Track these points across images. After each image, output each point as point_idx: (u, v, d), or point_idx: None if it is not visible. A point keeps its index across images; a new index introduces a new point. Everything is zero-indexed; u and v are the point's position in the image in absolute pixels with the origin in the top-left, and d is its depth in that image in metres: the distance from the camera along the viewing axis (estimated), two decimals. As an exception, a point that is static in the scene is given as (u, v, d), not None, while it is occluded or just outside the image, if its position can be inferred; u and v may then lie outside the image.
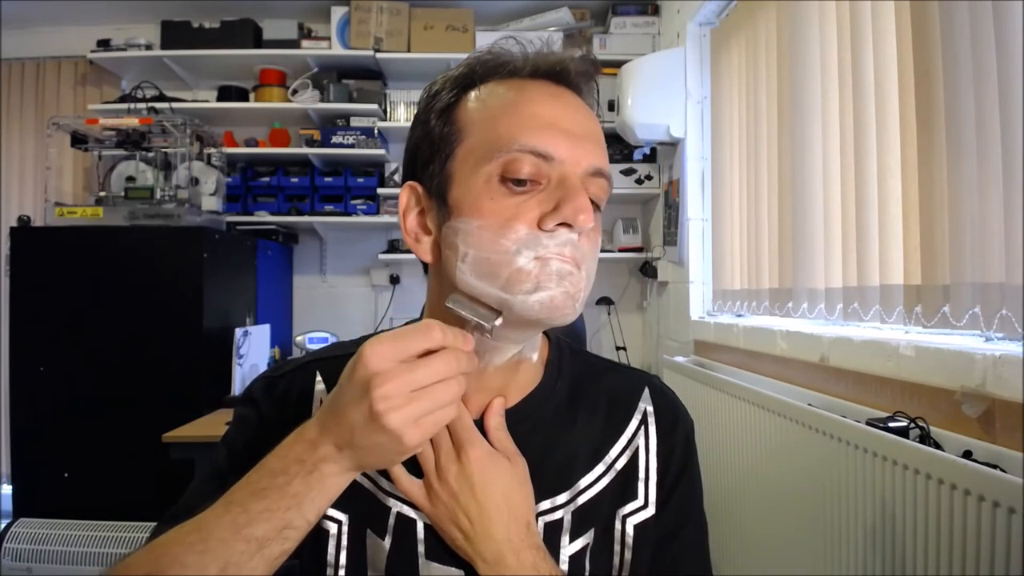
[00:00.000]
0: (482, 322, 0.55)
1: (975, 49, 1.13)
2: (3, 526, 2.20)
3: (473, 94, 0.61)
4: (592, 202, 0.59)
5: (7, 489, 2.56)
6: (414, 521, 0.61)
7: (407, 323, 0.70)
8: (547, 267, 0.56)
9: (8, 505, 2.40)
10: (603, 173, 0.60)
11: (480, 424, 0.63)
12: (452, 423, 0.60)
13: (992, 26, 1.10)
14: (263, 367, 2.66)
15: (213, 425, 2.14)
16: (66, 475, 2.35)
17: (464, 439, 0.60)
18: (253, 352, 2.59)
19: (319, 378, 0.67)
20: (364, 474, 0.62)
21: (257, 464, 0.54)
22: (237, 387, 2.44)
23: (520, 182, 0.57)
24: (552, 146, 0.57)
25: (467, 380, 0.60)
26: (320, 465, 0.52)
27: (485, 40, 3.00)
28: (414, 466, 0.61)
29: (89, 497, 2.29)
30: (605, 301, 3.24)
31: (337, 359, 0.67)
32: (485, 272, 0.56)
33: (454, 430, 0.60)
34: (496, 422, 0.62)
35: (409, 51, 2.99)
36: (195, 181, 2.59)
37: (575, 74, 0.62)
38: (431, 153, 0.61)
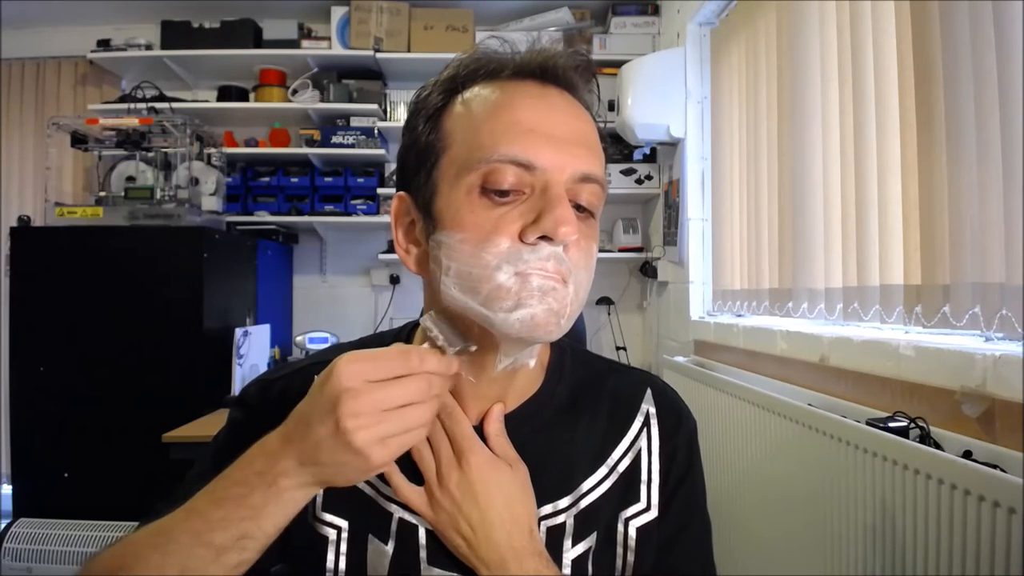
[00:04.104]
0: (446, 345, 0.54)
1: (975, 49, 1.13)
2: (3, 526, 2.20)
3: (459, 99, 0.59)
4: (584, 208, 0.57)
5: (7, 489, 2.55)
6: (416, 527, 0.61)
7: (406, 325, 0.71)
8: (528, 283, 0.53)
9: (8, 505, 2.40)
10: (592, 178, 0.57)
11: (479, 430, 0.62)
12: (452, 430, 0.60)
13: (992, 26, 1.10)
14: (263, 367, 2.66)
15: (213, 425, 2.14)
16: (66, 475, 2.35)
17: (465, 446, 0.59)
18: (253, 352, 2.59)
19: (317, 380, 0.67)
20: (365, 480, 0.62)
21: (223, 471, 0.54)
22: (237, 387, 2.44)
23: (502, 193, 0.54)
24: (533, 154, 0.54)
25: (463, 389, 0.61)
26: (279, 479, 0.51)
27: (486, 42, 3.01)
28: (414, 474, 0.61)
29: (89, 497, 2.30)
30: (605, 301, 3.24)
31: None
32: (468, 287, 0.54)
33: (454, 438, 0.60)
34: (496, 428, 0.62)
35: (409, 51, 2.98)
36: (195, 181, 2.59)
37: (564, 70, 0.58)
38: (417, 163, 0.59)
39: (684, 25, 2.60)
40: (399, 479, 0.60)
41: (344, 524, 0.62)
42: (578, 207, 0.57)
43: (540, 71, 0.58)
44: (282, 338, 3.06)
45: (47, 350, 2.38)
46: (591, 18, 3.14)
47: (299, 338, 2.87)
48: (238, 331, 2.45)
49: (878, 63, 1.40)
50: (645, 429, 0.68)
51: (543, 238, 0.54)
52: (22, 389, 2.39)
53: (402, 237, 0.62)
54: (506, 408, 0.64)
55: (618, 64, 2.76)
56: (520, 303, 0.53)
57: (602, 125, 0.63)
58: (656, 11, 3.03)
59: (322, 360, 0.68)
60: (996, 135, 1.09)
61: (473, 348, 0.55)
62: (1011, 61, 1.06)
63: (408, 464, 0.60)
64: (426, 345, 0.54)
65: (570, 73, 0.59)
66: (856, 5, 1.48)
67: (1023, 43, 1.04)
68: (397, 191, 0.63)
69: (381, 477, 0.61)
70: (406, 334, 0.70)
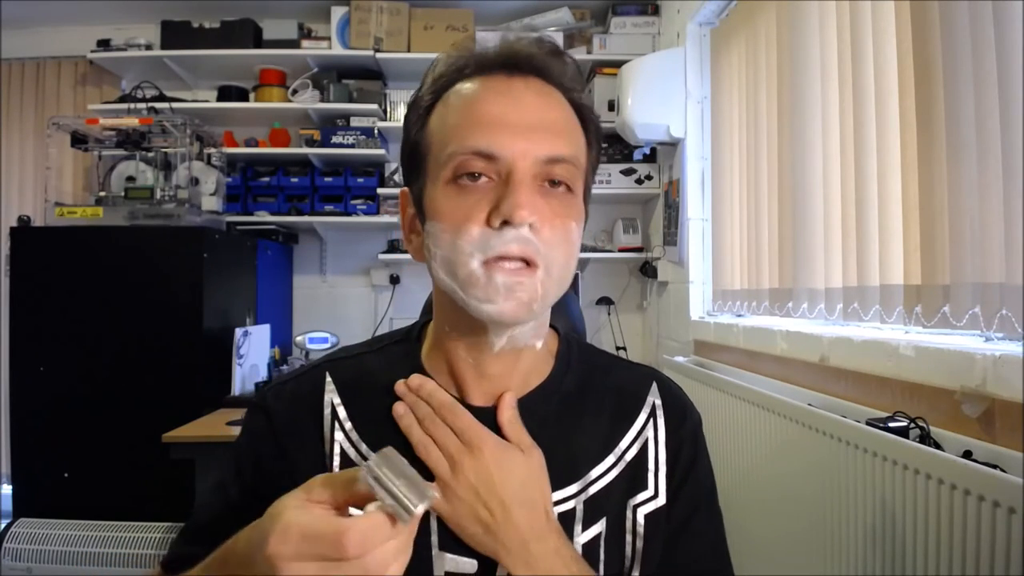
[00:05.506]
0: (399, 510, 0.43)
1: (975, 49, 1.13)
2: (3, 526, 2.20)
3: (440, 98, 0.63)
4: (560, 183, 0.59)
5: (7, 489, 2.55)
6: (428, 513, 0.61)
7: (414, 325, 0.73)
8: (493, 280, 0.56)
9: (8, 505, 2.39)
10: (559, 159, 0.59)
11: (488, 414, 0.63)
12: (455, 425, 0.61)
13: (992, 26, 1.10)
14: (263, 367, 2.67)
15: (213, 425, 2.14)
16: (66, 475, 2.35)
17: (472, 436, 0.60)
18: (253, 352, 2.59)
19: (328, 378, 0.68)
20: None
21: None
22: (237, 387, 2.44)
23: (473, 176, 0.58)
24: (497, 144, 0.57)
25: (465, 372, 0.64)
26: None
27: (485, 40, 3.01)
28: (424, 471, 0.61)
29: (89, 497, 2.29)
30: (605, 301, 3.24)
31: (344, 360, 0.70)
32: (450, 271, 0.58)
33: (459, 430, 0.61)
34: (510, 415, 0.63)
35: (409, 51, 2.98)
36: (195, 181, 2.59)
37: (527, 57, 0.61)
38: (411, 161, 0.64)
39: (684, 25, 2.60)
40: None
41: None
42: (552, 182, 0.59)
43: (502, 63, 0.61)
44: (282, 338, 3.06)
45: (47, 350, 2.38)
46: (591, 18, 3.14)
47: (299, 338, 2.87)
48: (238, 331, 2.45)
49: (878, 63, 1.40)
50: (651, 420, 0.69)
51: (506, 223, 0.56)
52: (22, 389, 2.39)
53: (406, 228, 0.67)
54: (516, 395, 0.65)
55: (618, 64, 2.76)
56: (488, 298, 0.57)
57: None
58: (656, 11, 3.03)
59: (333, 359, 0.71)
60: (996, 135, 1.09)
61: (420, 509, 0.43)
62: (1011, 61, 1.06)
63: (415, 464, 0.60)
64: (371, 507, 0.44)
65: (535, 60, 0.61)
66: (856, 5, 1.48)
67: (1023, 43, 1.04)
68: (403, 186, 0.68)
69: None
70: (416, 333, 0.71)
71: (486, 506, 0.59)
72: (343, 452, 0.64)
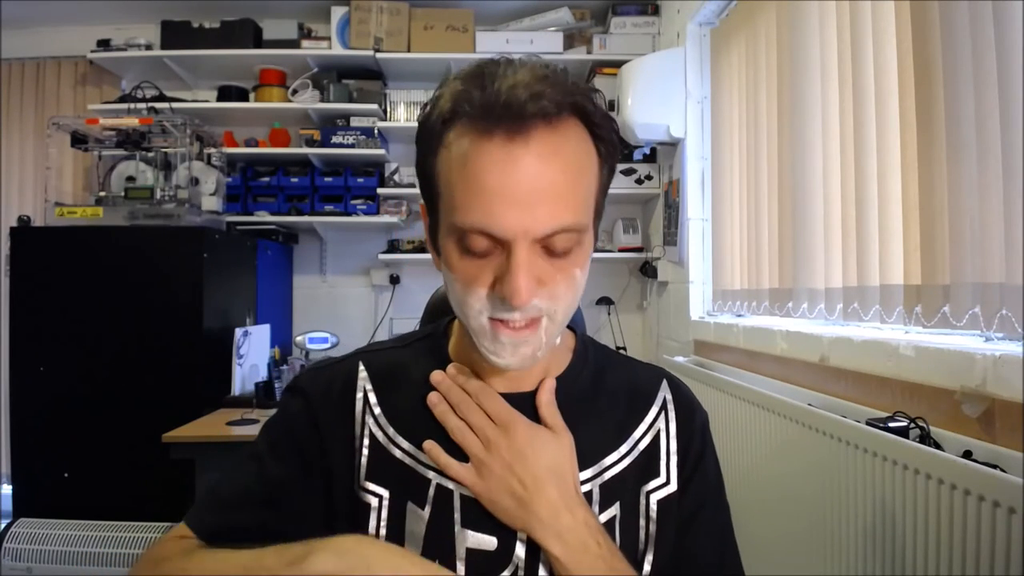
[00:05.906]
0: None
1: (975, 49, 1.13)
2: (3, 526, 2.20)
3: (446, 137, 0.58)
4: (562, 251, 0.58)
5: (7, 489, 2.56)
6: (452, 492, 0.65)
7: (439, 323, 0.76)
8: (499, 338, 0.60)
9: (8, 505, 2.40)
10: (559, 231, 0.57)
11: (512, 399, 0.67)
12: (489, 407, 0.65)
13: (992, 26, 1.10)
14: (263, 367, 2.67)
15: (213, 425, 2.14)
16: (66, 475, 2.35)
17: (506, 418, 0.65)
18: (253, 352, 2.59)
19: (362, 367, 0.72)
20: (401, 449, 0.67)
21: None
22: (237, 387, 2.44)
23: (476, 253, 0.59)
24: (499, 224, 0.56)
25: (484, 367, 0.67)
26: None
27: (485, 40, 3.04)
28: (453, 455, 0.65)
29: (89, 497, 2.30)
30: (605, 301, 3.24)
31: (376, 353, 0.75)
32: (463, 314, 0.62)
33: (493, 413, 0.65)
34: (548, 399, 0.68)
35: (409, 51, 2.98)
36: (195, 181, 2.59)
37: (531, 116, 0.55)
38: (424, 187, 0.64)
39: (684, 25, 2.60)
40: (447, 459, 0.64)
41: (385, 493, 0.66)
42: (553, 251, 0.59)
43: (502, 116, 0.55)
44: (282, 338, 3.07)
45: (47, 350, 2.38)
46: (591, 18, 3.14)
47: (299, 338, 2.87)
48: (238, 331, 2.45)
49: (878, 63, 1.40)
50: (663, 413, 0.72)
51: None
52: (22, 389, 2.40)
53: (428, 242, 0.69)
54: (534, 385, 0.69)
55: (618, 64, 2.76)
56: (495, 351, 0.61)
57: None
58: (656, 11, 3.03)
59: (367, 350, 0.75)
60: (996, 135, 1.09)
61: None
62: (1011, 61, 1.06)
63: (450, 446, 0.65)
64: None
65: (538, 119, 0.56)
66: (856, 5, 1.48)
67: (1023, 43, 1.04)
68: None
69: (419, 448, 0.66)
70: (442, 329, 0.75)
71: (519, 479, 0.62)
72: (372, 435, 0.68)
